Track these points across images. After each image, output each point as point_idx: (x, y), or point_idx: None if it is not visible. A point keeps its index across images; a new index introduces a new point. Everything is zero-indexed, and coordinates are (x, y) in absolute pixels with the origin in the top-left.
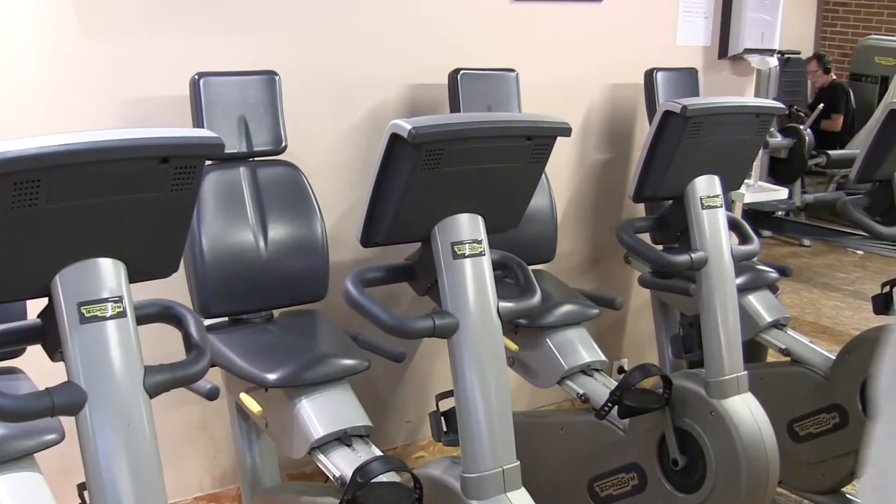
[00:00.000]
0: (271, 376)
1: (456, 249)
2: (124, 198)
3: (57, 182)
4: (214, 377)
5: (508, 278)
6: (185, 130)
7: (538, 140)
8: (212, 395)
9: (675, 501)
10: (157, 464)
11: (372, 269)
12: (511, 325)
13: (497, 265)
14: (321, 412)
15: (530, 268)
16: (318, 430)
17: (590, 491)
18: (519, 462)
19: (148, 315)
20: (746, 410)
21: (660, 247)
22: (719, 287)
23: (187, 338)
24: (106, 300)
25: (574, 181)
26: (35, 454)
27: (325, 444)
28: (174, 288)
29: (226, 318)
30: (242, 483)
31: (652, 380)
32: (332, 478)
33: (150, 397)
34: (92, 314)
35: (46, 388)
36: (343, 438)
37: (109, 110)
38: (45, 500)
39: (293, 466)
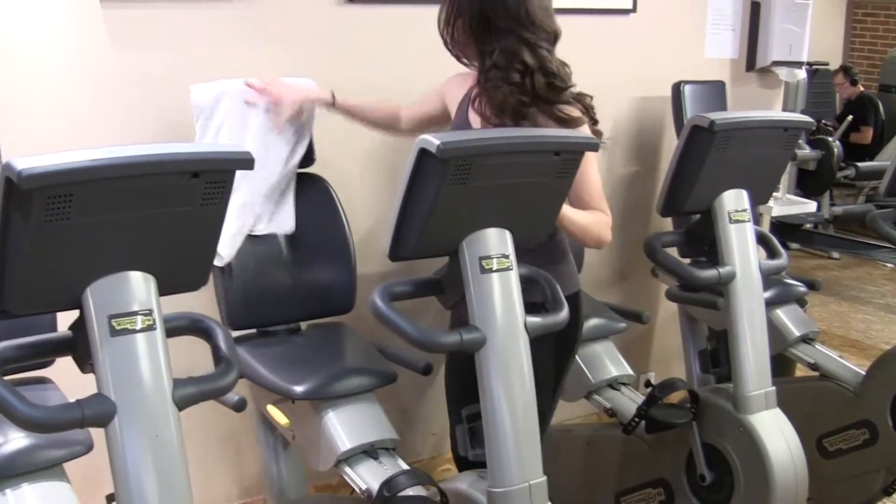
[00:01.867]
0: (298, 388)
1: (484, 264)
2: (155, 212)
3: (89, 196)
4: (242, 389)
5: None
6: (215, 145)
7: (566, 155)
8: (239, 407)
9: None
10: (184, 475)
11: (400, 283)
12: None
13: (524, 279)
14: (348, 425)
15: None
16: (344, 442)
17: None
18: (546, 477)
19: (177, 328)
20: (774, 426)
21: (687, 260)
22: (747, 301)
23: (216, 351)
24: (136, 313)
25: None
26: (63, 464)
27: (352, 456)
28: (202, 300)
29: (253, 330)
30: (268, 494)
31: (679, 394)
32: (358, 491)
33: (179, 410)
34: (122, 327)
35: (77, 400)
36: (369, 451)
37: (140, 122)
38: None
39: (319, 478)
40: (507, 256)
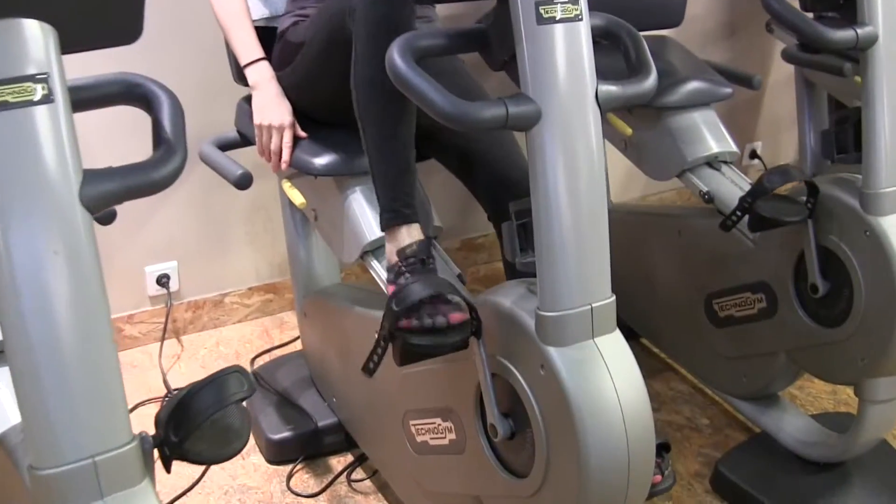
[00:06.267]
0: (320, 162)
1: (542, 11)
2: None
3: None
4: None
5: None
6: None
7: None
8: (242, 183)
9: (811, 334)
10: (100, 292)
11: (429, 36)
12: None
13: (600, 33)
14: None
15: (652, 33)
16: (373, 230)
17: (707, 309)
18: (614, 297)
19: (105, 96)
20: None
21: (811, 15)
22: (891, 72)
23: (157, 128)
24: (28, 78)
25: None
26: None
27: (380, 247)
28: None
29: None
30: (294, 280)
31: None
32: (385, 290)
33: (91, 213)
34: (5, 98)
35: None
36: None
37: None
38: None
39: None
40: (574, 1)
